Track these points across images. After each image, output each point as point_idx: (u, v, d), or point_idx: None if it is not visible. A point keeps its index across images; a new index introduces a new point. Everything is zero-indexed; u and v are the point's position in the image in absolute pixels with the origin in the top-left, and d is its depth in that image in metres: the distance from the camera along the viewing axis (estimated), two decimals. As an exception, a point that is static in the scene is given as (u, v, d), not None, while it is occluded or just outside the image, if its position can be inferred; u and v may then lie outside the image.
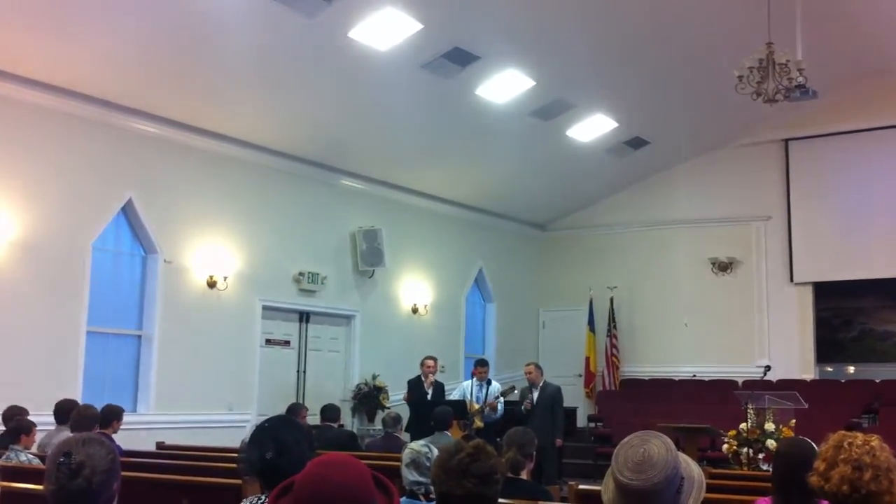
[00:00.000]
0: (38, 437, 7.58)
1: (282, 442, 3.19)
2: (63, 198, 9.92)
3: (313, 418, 10.75)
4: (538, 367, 11.48)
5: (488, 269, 16.14)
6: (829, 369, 15.36)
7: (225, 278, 11.48)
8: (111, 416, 8.16)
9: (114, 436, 7.88)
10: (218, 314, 11.44)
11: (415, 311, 14.47)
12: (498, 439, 5.95)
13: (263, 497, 3.22)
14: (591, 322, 16.36)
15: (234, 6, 9.32)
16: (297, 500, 2.24)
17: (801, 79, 9.18)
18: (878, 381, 14.43)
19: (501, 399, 11.32)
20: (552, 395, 11.18)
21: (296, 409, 9.06)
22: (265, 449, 3.17)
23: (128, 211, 10.70)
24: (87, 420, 7.53)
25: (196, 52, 9.84)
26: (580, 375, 16.29)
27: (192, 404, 10.98)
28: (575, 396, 15.26)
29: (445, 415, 8.46)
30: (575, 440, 13.71)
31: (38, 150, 9.75)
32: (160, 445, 9.01)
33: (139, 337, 10.84)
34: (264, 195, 12.16)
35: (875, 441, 3.05)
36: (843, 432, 3.13)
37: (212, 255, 11.38)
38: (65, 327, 9.86)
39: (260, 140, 11.93)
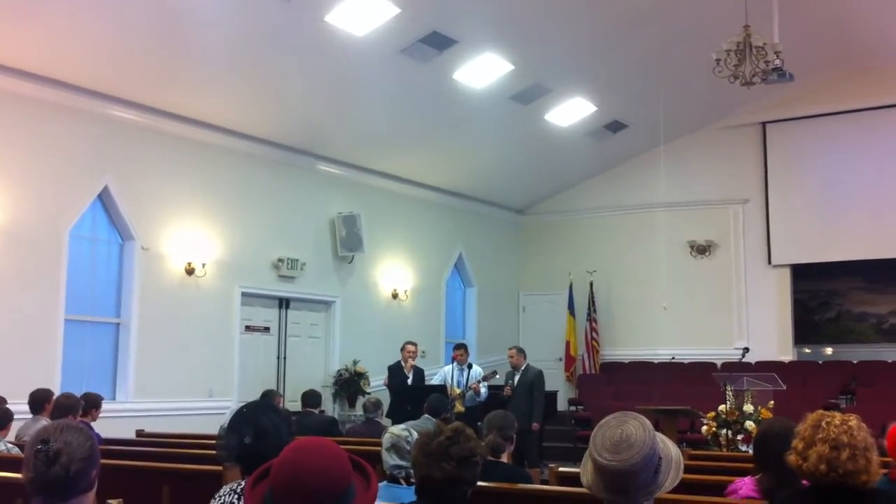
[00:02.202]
0: (16, 426, 7.53)
1: (260, 427, 3.19)
2: (39, 185, 9.83)
3: (294, 405, 10.76)
4: (521, 350, 11.51)
5: (468, 253, 16.15)
6: (807, 351, 15.49)
7: (203, 265, 11.42)
8: (90, 404, 8.12)
9: (93, 424, 7.85)
10: (197, 301, 11.39)
11: (395, 296, 14.47)
12: (479, 423, 5.97)
13: (243, 483, 3.21)
14: (570, 306, 16.41)
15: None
16: (273, 485, 2.24)
17: (778, 62, 9.23)
18: (855, 361, 14.57)
19: (485, 383, 11.35)
20: (532, 380, 11.21)
21: (270, 396, 9.04)
22: (244, 434, 3.17)
23: (104, 198, 10.62)
24: (68, 408, 7.50)
25: (172, 38, 9.76)
26: (560, 359, 16.35)
27: (172, 392, 10.94)
28: (555, 380, 15.31)
29: (440, 402, 8.43)
30: (556, 423, 13.76)
31: (14, 138, 9.65)
32: (140, 433, 8.98)
33: (117, 325, 10.78)
34: (242, 181, 12.11)
35: (853, 421, 3.07)
36: (821, 412, 3.15)
37: (190, 242, 11.32)
38: (42, 316, 9.79)
39: (237, 126, 11.87)
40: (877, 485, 3.13)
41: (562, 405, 15.47)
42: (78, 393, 8.09)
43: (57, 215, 10.00)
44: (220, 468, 5.16)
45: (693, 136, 15.82)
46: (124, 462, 6.16)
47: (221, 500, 3.21)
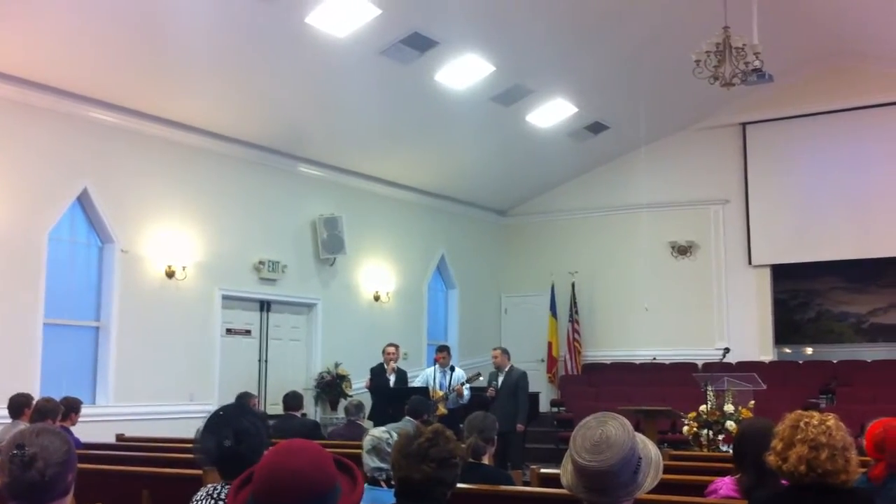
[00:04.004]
0: (-5, 430, 7.48)
1: (240, 429, 3.16)
2: (18, 188, 9.76)
3: (275, 408, 10.71)
4: (505, 351, 11.50)
5: (450, 255, 16.15)
6: (787, 351, 15.56)
7: (183, 268, 11.37)
8: (69, 408, 8.08)
9: (72, 428, 7.80)
10: (177, 304, 11.33)
11: (377, 298, 14.44)
12: (461, 425, 5.96)
13: (220, 486, 3.19)
14: (552, 307, 16.43)
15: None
16: (256, 489, 2.22)
17: (757, 63, 9.27)
18: (835, 361, 14.65)
19: (467, 385, 11.34)
20: (516, 381, 11.21)
21: (245, 398, 8.99)
22: (222, 437, 3.14)
23: (83, 200, 10.54)
24: (47, 412, 7.46)
25: (152, 39, 9.71)
26: (543, 360, 16.37)
27: (152, 395, 10.88)
28: (538, 381, 15.31)
29: (421, 404, 8.42)
30: (538, 425, 13.77)
31: (-9, 140, 9.58)
32: (120, 437, 8.93)
33: (97, 328, 10.71)
34: (223, 183, 12.05)
35: (831, 420, 3.09)
36: (799, 412, 3.16)
37: (170, 245, 11.26)
38: (21, 319, 9.71)
39: (218, 128, 11.81)
40: (855, 483, 3.15)
41: (544, 406, 15.48)
42: (57, 397, 8.03)
43: (36, 218, 9.92)
44: (199, 472, 5.13)
45: (673, 136, 15.88)
46: (104, 466, 6.14)
47: (198, 505, 3.18)
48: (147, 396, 10.82)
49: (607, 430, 2.58)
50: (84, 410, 8.47)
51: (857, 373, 14.02)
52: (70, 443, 2.65)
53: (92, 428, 8.73)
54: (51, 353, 10.03)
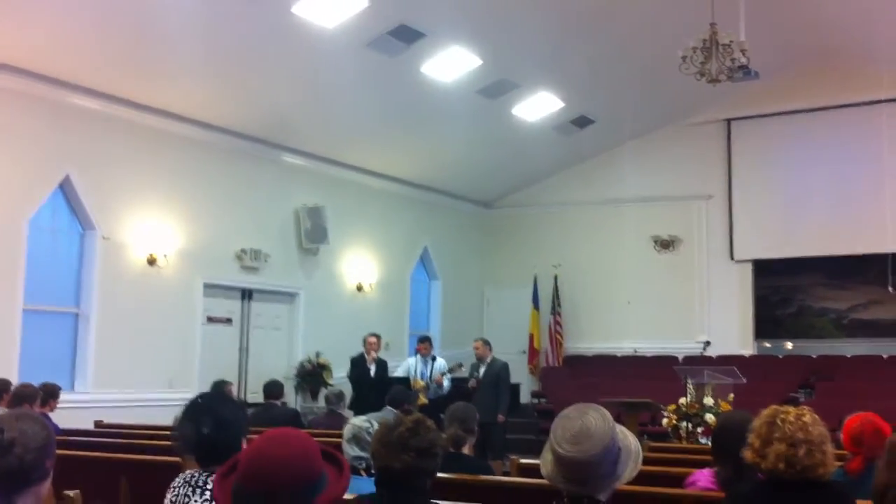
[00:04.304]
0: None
1: (219, 417, 3.15)
2: (-2, 173, 9.70)
3: (255, 396, 10.69)
4: (486, 342, 11.51)
5: (433, 246, 16.14)
6: (768, 345, 15.65)
7: (165, 255, 11.32)
8: (48, 394, 8.05)
9: (51, 414, 7.78)
10: (158, 292, 11.28)
11: (359, 288, 14.42)
12: (442, 415, 5.97)
13: (198, 473, 3.17)
14: (535, 300, 16.46)
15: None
16: (242, 477, 2.23)
17: (743, 59, 9.29)
18: (814, 356, 14.73)
19: (448, 375, 11.34)
20: (497, 372, 11.23)
21: (221, 386, 8.97)
22: (201, 424, 3.13)
23: (65, 187, 10.48)
24: (25, 398, 7.43)
25: (138, 27, 9.64)
26: (524, 352, 16.39)
27: (132, 383, 10.83)
28: (519, 373, 15.32)
29: (402, 394, 8.43)
30: (518, 416, 13.79)
31: (-29, 124, 9.51)
32: (98, 424, 8.89)
33: (77, 315, 10.65)
34: (206, 172, 12.00)
35: (807, 416, 3.10)
36: (775, 407, 3.16)
37: (152, 232, 11.21)
38: (1, 305, 9.65)
39: (202, 116, 11.75)
40: (832, 476, 3.17)
41: (525, 397, 15.52)
42: (36, 383, 8.00)
43: (17, 204, 9.85)
44: (178, 459, 5.11)
45: (659, 132, 15.90)
46: (82, 453, 6.11)
47: (176, 493, 3.17)
48: (126, 384, 10.77)
49: (587, 421, 2.59)
50: (63, 397, 8.44)
51: (836, 368, 14.11)
52: (49, 428, 2.63)
53: (70, 414, 8.69)
54: (30, 340, 9.97)
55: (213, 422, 3.11)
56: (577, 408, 2.67)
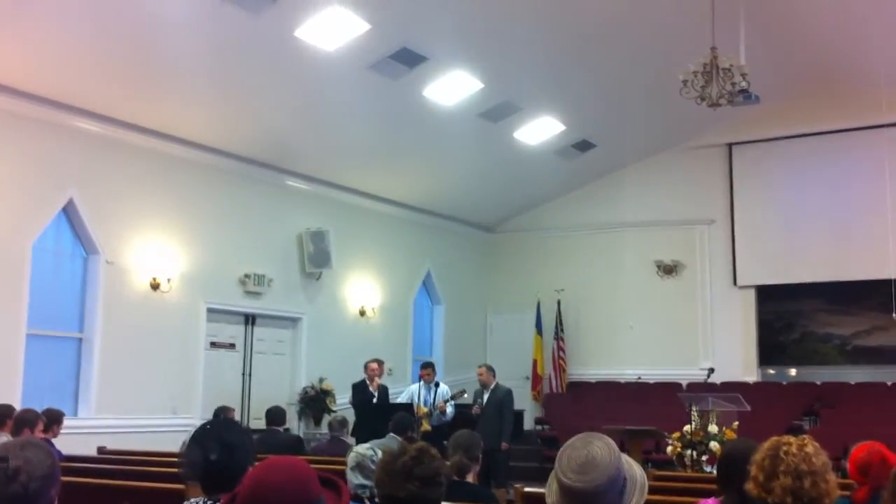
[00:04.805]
0: (-25, 442, 7.40)
1: (227, 443, 3.14)
2: (2, 197, 9.71)
3: (258, 422, 10.66)
4: (490, 368, 11.47)
5: (436, 271, 16.14)
6: (772, 372, 15.60)
7: (168, 280, 11.32)
8: (51, 420, 8.02)
9: (54, 440, 7.75)
10: (161, 316, 11.27)
11: (362, 313, 14.41)
12: (445, 442, 5.94)
13: (203, 501, 3.16)
14: (538, 325, 16.43)
15: (181, 4, 9.21)
16: None
17: (744, 84, 9.32)
18: (818, 383, 14.68)
19: (452, 402, 11.31)
20: (501, 398, 11.19)
21: (224, 412, 8.94)
22: (209, 450, 3.12)
23: (69, 211, 10.50)
24: (25, 423, 7.40)
25: (141, 50, 9.70)
26: (527, 378, 16.35)
27: (135, 408, 10.81)
28: (522, 399, 15.28)
29: (405, 421, 8.38)
30: (522, 443, 13.75)
31: (-24, 149, 9.54)
32: (101, 450, 8.85)
33: (80, 339, 10.64)
34: (210, 196, 12.03)
35: (809, 446, 3.08)
36: (775, 439, 3.14)
37: (155, 257, 11.22)
38: (4, 329, 9.64)
39: (206, 140, 11.80)
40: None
41: (528, 424, 15.48)
42: (39, 408, 7.98)
43: (20, 227, 9.87)
44: (182, 486, 5.10)
45: (660, 156, 15.93)
46: (85, 479, 6.09)
47: (180, 520, 3.16)
48: (129, 409, 10.74)
49: (593, 451, 2.58)
50: (66, 422, 8.41)
51: (840, 395, 14.06)
52: (54, 456, 2.63)
53: (74, 440, 8.66)
54: (33, 365, 9.96)
55: (220, 448, 3.10)
56: (583, 437, 2.66)
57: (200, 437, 3.19)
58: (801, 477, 2.97)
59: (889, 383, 14.09)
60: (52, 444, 7.50)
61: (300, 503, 2.22)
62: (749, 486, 3.09)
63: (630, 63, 12.37)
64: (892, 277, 14.02)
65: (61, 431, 8.17)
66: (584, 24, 11.27)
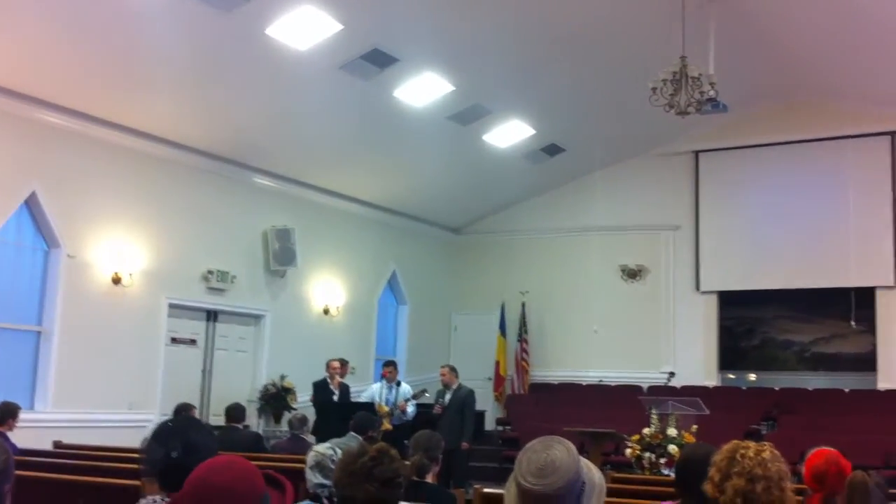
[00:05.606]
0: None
1: (190, 442, 3.11)
2: (-38, 187, 9.58)
3: (218, 419, 10.59)
4: (453, 369, 11.52)
5: (402, 271, 16.12)
6: (732, 376, 15.74)
7: (130, 275, 11.21)
8: (7, 413, 7.94)
9: (9, 434, 7.66)
10: (122, 311, 11.17)
11: (326, 312, 14.36)
12: (406, 441, 5.94)
13: (160, 499, 3.13)
14: (502, 326, 16.47)
15: (148, -3, 9.13)
16: None
17: (712, 92, 9.41)
18: (777, 388, 14.83)
19: (413, 401, 11.31)
20: (463, 398, 11.23)
21: (186, 409, 8.87)
22: (171, 448, 3.08)
23: (31, 203, 10.37)
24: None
25: (110, 45, 9.60)
26: (490, 379, 16.38)
27: (92, 403, 10.69)
28: (484, 400, 15.31)
29: (366, 420, 8.35)
30: (483, 443, 13.77)
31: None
32: (57, 444, 8.75)
33: (39, 333, 10.51)
34: (175, 191, 11.93)
35: (767, 452, 3.10)
36: (736, 442, 3.17)
37: (117, 251, 11.11)
38: (-40, 321, 9.51)
39: (173, 136, 11.70)
40: (792, 513, 3.17)
41: (489, 425, 15.51)
42: (-5, 401, 7.88)
43: (-20, 219, 9.74)
44: (137, 483, 5.05)
45: (628, 162, 16.03)
46: (40, 474, 6.01)
47: (135, 518, 3.13)
48: (87, 403, 10.63)
49: (553, 455, 2.58)
50: (22, 416, 8.31)
51: (798, 401, 14.22)
52: (8, 452, 2.60)
53: (29, 434, 8.55)
54: (-10, 357, 9.83)
55: (182, 446, 3.07)
56: (543, 441, 2.66)
57: (162, 434, 3.16)
58: (755, 481, 3.00)
59: (846, 390, 14.27)
60: (6, 438, 7.41)
61: (245, 502, 2.22)
62: (706, 486, 3.12)
63: (600, 69, 12.44)
64: (853, 286, 14.24)
65: (17, 425, 8.07)
66: (556, 30, 11.32)
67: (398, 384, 11.47)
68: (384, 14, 10.38)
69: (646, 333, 15.66)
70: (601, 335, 15.77)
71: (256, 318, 13.28)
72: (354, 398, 11.90)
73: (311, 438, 9.39)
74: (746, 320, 15.77)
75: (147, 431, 3.25)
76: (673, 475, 4.40)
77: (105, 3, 9.04)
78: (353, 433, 7.99)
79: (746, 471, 3.01)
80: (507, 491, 2.70)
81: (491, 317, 16.60)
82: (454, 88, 12.15)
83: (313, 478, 4.37)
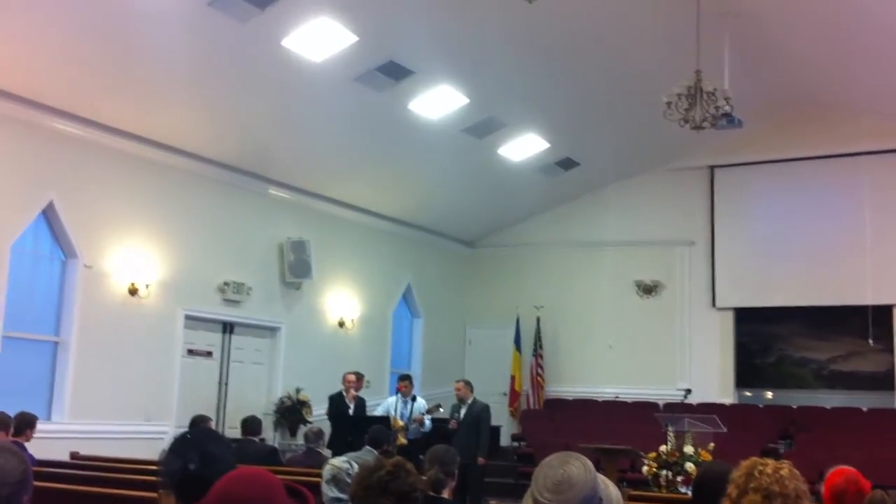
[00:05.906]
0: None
1: (208, 454, 3.11)
2: (-19, 198, 9.64)
3: (234, 431, 10.59)
4: (468, 383, 11.47)
5: (416, 284, 16.12)
6: (748, 394, 15.65)
7: (147, 286, 11.25)
8: (24, 424, 7.94)
9: (27, 444, 7.67)
10: (138, 322, 11.20)
11: (341, 324, 14.37)
12: (421, 456, 5.92)
13: (176, 511, 3.14)
14: (517, 341, 16.43)
15: (166, 8, 9.19)
16: None
17: (727, 107, 9.39)
18: (794, 406, 14.73)
19: (428, 416, 11.29)
20: (478, 413, 11.19)
21: (202, 421, 8.86)
22: (188, 460, 3.09)
23: (49, 213, 10.42)
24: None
25: (126, 54, 9.67)
26: (505, 394, 16.34)
27: (109, 414, 10.72)
28: (499, 415, 15.27)
29: (382, 434, 8.34)
30: (498, 459, 13.72)
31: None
32: (74, 455, 8.78)
33: (56, 343, 10.56)
34: (191, 202, 11.98)
35: (785, 470, 3.09)
36: (754, 459, 3.16)
37: (134, 262, 11.15)
38: (-22, 331, 9.56)
39: (189, 146, 11.75)
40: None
41: (505, 440, 15.46)
42: (12, 412, 7.90)
43: (-1, 229, 9.80)
44: (154, 495, 5.06)
45: (643, 176, 16.00)
46: (57, 485, 6.03)
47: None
48: (104, 415, 10.65)
49: (569, 470, 2.58)
50: (39, 426, 8.33)
51: (816, 419, 14.11)
52: (27, 462, 2.60)
53: (46, 444, 8.56)
54: (8, 367, 9.85)
55: (199, 458, 3.08)
56: (559, 456, 2.66)
57: (180, 445, 3.17)
58: (771, 497, 2.98)
59: (864, 409, 14.16)
60: (24, 449, 7.43)
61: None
62: (724, 503, 3.10)
63: (615, 84, 12.45)
64: (870, 304, 14.13)
65: (34, 435, 8.09)
66: (571, 43, 11.34)
67: (413, 398, 11.46)
68: (399, 26, 10.43)
69: (661, 349, 15.60)
70: (616, 351, 15.72)
71: (272, 331, 13.30)
72: (370, 412, 11.88)
73: (326, 452, 9.38)
74: (763, 337, 15.68)
75: (166, 443, 3.26)
76: (690, 493, 4.38)
77: (122, 14, 9.09)
78: (368, 447, 7.98)
79: (763, 487, 3.00)
80: (524, 507, 2.69)
81: (505, 331, 16.56)
82: (469, 101, 12.17)
83: (329, 492, 4.37)
